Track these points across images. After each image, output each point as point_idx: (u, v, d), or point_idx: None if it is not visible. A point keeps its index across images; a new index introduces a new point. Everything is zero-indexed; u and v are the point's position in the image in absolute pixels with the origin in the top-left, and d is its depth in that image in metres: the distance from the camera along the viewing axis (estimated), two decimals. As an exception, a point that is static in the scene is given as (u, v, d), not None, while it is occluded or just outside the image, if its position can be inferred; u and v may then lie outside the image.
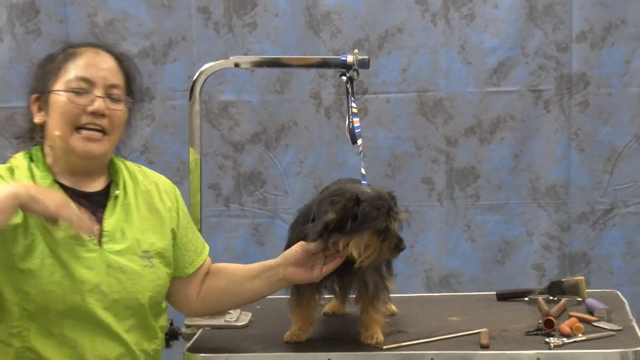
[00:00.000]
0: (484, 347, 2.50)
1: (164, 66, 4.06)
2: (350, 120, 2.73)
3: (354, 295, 2.63)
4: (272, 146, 4.11)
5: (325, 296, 2.73)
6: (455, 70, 4.02)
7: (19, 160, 2.31)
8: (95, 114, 2.26)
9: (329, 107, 4.07)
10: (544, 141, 4.03)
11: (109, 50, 2.37)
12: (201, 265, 2.55)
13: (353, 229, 2.38)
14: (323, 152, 4.09)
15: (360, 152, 2.73)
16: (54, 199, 2.09)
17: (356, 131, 2.70)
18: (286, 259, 2.48)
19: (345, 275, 2.55)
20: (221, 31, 4.06)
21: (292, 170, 4.13)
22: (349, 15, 4.03)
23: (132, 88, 2.39)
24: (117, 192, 2.36)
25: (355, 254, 2.40)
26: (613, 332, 2.59)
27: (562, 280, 3.04)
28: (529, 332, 2.61)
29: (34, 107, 2.32)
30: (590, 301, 2.84)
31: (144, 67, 4.01)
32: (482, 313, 2.89)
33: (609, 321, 2.68)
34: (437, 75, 4.03)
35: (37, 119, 2.31)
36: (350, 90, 2.74)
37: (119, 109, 2.31)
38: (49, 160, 2.30)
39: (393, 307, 2.81)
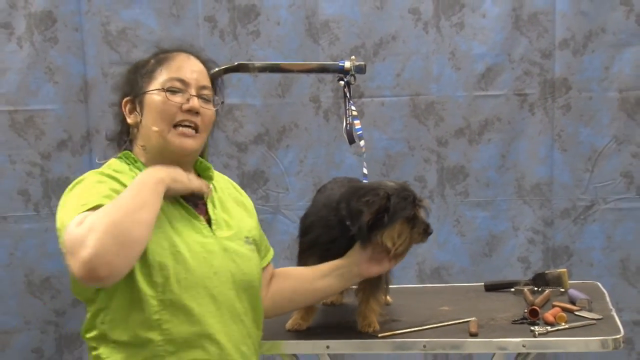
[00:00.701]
0: (473, 335, 2.51)
1: (173, 72, 4.05)
2: (348, 122, 2.72)
3: (354, 287, 2.63)
4: (274, 146, 4.11)
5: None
6: (446, 75, 4.02)
7: (117, 164, 2.27)
8: (191, 111, 2.25)
9: (327, 110, 4.07)
10: (529, 142, 4.03)
11: (197, 55, 2.35)
12: (269, 262, 2.53)
13: (387, 222, 2.39)
14: (322, 152, 4.09)
15: (364, 153, 2.72)
16: (184, 174, 2.17)
17: (358, 133, 2.70)
18: (355, 258, 2.48)
19: None
20: (226, 39, 4.05)
21: (292, 169, 4.12)
22: (346, 24, 4.03)
23: (216, 91, 2.39)
24: (211, 186, 2.37)
25: (389, 244, 2.42)
26: (594, 321, 2.59)
27: (546, 272, 3.05)
28: (515, 320, 2.62)
29: (126, 110, 2.29)
30: (573, 292, 2.85)
31: (154, 72, 4.02)
32: (471, 303, 2.90)
33: (590, 310, 2.69)
34: (428, 80, 4.03)
35: (130, 119, 2.28)
36: (348, 94, 2.74)
37: (210, 109, 2.30)
38: (142, 160, 2.28)
39: (388, 298, 2.81)
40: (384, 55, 4.03)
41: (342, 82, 2.76)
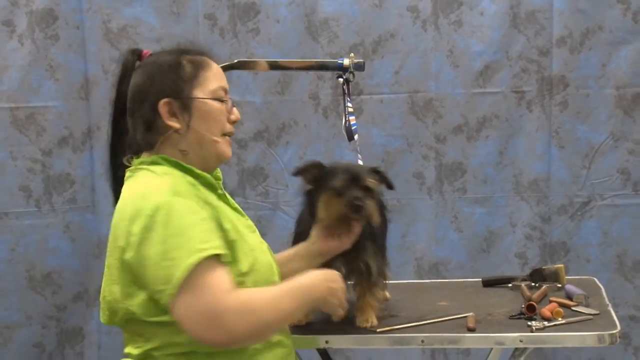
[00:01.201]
0: (471, 330, 2.50)
1: (173, 69, 4.04)
2: (347, 119, 2.72)
3: (352, 282, 2.63)
4: (273, 143, 4.11)
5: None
6: (444, 72, 4.02)
7: (168, 168, 2.16)
8: (236, 121, 2.26)
9: (326, 107, 4.07)
10: (526, 139, 4.02)
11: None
12: None
13: (319, 191, 2.44)
14: (321, 148, 4.08)
15: (357, 146, 2.72)
16: (339, 300, 2.20)
17: (352, 128, 2.70)
18: (312, 236, 2.50)
19: (352, 259, 2.55)
20: (226, 36, 4.05)
21: (292, 165, 4.10)
22: (345, 22, 4.02)
23: None
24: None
25: (321, 215, 2.45)
26: (591, 316, 2.59)
27: (543, 267, 3.05)
28: (513, 316, 2.62)
29: (164, 111, 2.15)
30: (569, 287, 2.85)
31: (155, 69, 4.01)
32: (468, 298, 2.90)
33: (587, 306, 2.69)
34: (427, 77, 4.02)
35: (173, 122, 2.15)
36: (346, 91, 2.74)
37: None
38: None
39: (387, 293, 2.81)
40: (382, 53, 4.03)
41: (341, 80, 2.76)
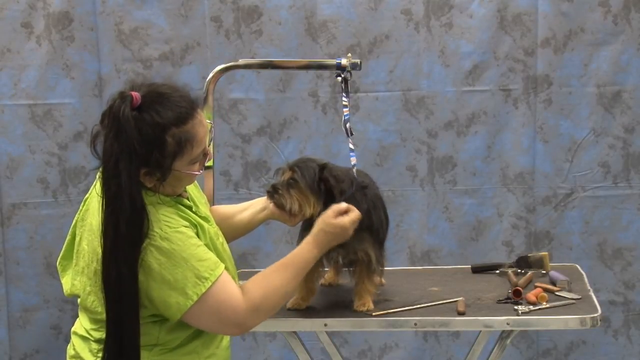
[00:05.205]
0: (461, 313, 2.51)
1: (181, 68, 4.04)
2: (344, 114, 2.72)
3: (350, 269, 2.63)
4: (275, 138, 4.09)
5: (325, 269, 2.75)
6: (436, 71, 4.01)
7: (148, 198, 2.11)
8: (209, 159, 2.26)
9: (325, 104, 4.06)
10: (513, 134, 4.01)
11: (200, 106, 2.17)
12: None
13: None
14: (320, 143, 4.07)
15: (349, 140, 2.69)
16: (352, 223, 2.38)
17: (345, 118, 2.69)
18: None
19: (351, 250, 2.54)
20: (231, 37, 4.04)
21: (293, 159, 4.09)
22: (343, 24, 4.01)
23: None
24: None
25: None
26: (573, 301, 2.60)
27: (529, 255, 3.05)
28: (500, 300, 2.62)
29: (141, 174, 2.08)
30: (553, 273, 2.85)
31: (164, 69, 4.01)
32: (458, 284, 2.89)
33: (570, 291, 2.69)
34: (419, 76, 4.01)
35: (147, 182, 2.09)
36: (343, 89, 2.73)
37: None
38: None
39: (382, 280, 2.81)
40: (378, 53, 4.01)
41: (339, 78, 2.75)
